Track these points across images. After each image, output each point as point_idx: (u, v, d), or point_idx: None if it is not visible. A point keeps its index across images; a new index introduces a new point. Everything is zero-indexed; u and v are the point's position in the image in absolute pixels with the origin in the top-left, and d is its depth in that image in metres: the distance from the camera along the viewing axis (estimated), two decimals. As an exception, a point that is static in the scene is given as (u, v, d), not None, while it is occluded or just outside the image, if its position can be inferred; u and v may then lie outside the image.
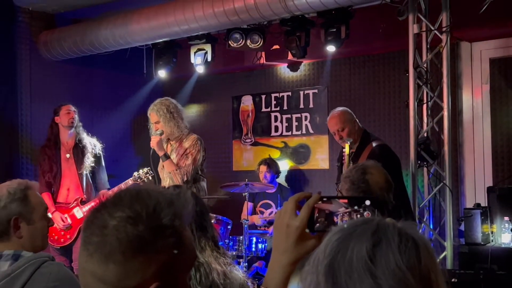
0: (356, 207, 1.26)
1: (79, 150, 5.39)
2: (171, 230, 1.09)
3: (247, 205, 6.26)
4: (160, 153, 4.86)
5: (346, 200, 1.30)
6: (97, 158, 5.52)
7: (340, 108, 4.77)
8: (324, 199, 1.31)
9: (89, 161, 5.40)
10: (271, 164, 6.56)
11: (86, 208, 5.36)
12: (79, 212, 5.34)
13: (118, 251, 1.06)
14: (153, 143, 4.85)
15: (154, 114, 4.95)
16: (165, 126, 4.89)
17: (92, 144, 5.52)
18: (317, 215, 1.31)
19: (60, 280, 2.04)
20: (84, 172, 5.42)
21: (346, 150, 4.40)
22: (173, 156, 4.90)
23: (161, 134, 4.88)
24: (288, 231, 1.31)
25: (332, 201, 1.31)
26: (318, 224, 1.31)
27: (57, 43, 6.63)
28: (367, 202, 1.26)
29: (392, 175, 4.14)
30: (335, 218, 1.29)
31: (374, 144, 4.42)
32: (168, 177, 4.89)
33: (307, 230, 1.30)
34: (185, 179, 4.77)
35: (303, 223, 1.30)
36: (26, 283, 1.95)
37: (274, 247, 1.35)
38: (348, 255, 0.92)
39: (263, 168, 6.56)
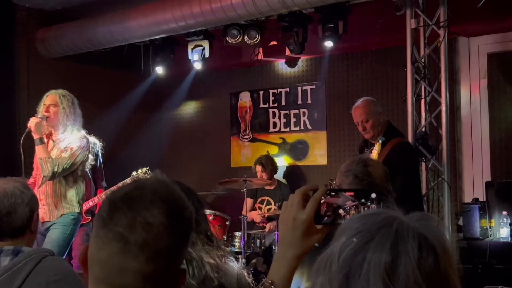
0: (363, 200, 1.26)
1: None
2: (194, 221, 1.18)
3: (247, 202, 6.26)
4: (36, 136, 4.27)
5: (352, 193, 1.29)
6: (96, 156, 5.51)
7: (365, 98, 4.60)
8: (332, 192, 1.31)
9: (89, 159, 5.39)
10: (265, 164, 6.53)
11: (85, 206, 5.34)
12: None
13: (169, 247, 1.11)
14: (32, 123, 4.26)
15: (54, 96, 4.39)
16: (60, 115, 4.34)
17: (92, 143, 5.51)
18: (325, 209, 1.30)
19: (61, 274, 2.04)
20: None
21: (377, 149, 4.28)
22: (54, 152, 4.34)
23: (43, 119, 4.32)
24: (294, 224, 1.30)
25: (339, 194, 1.31)
26: (325, 218, 1.30)
27: (54, 40, 6.62)
28: (373, 195, 1.25)
29: (411, 173, 4.16)
30: (341, 211, 1.28)
31: (397, 141, 4.32)
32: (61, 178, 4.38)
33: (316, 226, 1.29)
34: (56, 169, 4.23)
35: (310, 216, 1.29)
36: (27, 277, 1.95)
37: (280, 240, 1.34)
38: (364, 268, 0.86)
39: (258, 168, 6.56)
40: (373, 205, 1.24)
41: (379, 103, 4.65)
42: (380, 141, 4.28)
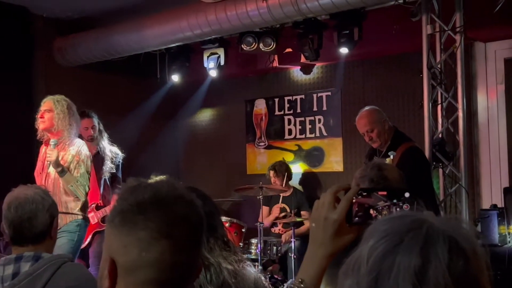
0: (395, 200, 1.25)
1: (99, 157, 5.41)
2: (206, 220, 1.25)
3: (263, 210, 6.26)
4: (58, 169, 4.26)
5: (384, 193, 1.28)
6: (116, 166, 5.56)
7: (368, 108, 4.61)
8: (364, 192, 1.30)
9: (108, 167, 5.43)
10: (278, 170, 6.52)
11: (101, 214, 5.38)
12: (93, 218, 5.36)
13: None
14: (52, 158, 4.23)
15: (50, 102, 4.39)
16: (55, 120, 4.34)
17: (114, 153, 5.55)
18: (356, 209, 1.30)
19: (80, 280, 2.06)
20: (103, 178, 5.45)
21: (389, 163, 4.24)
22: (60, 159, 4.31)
23: (55, 144, 4.31)
24: (325, 224, 1.30)
25: (371, 194, 1.30)
26: (357, 218, 1.29)
27: (71, 49, 6.69)
28: (407, 195, 1.24)
29: (424, 178, 4.13)
30: (373, 212, 1.28)
31: (406, 147, 4.29)
32: (46, 182, 4.35)
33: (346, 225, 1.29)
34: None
35: (342, 216, 1.29)
36: (47, 282, 1.97)
37: (311, 239, 1.34)
38: (394, 272, 0.85)
39: (272, 173, 6.56)
40: (406, 205, 1.23)
41: (382, 111, 4.63)
42: (392, 156, 4.23)
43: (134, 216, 1.14)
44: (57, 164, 4.25)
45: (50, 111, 4.36)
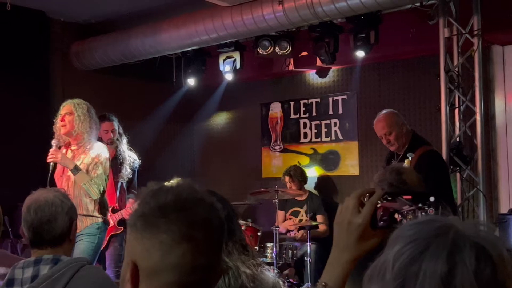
0: (420, 205, 1.24)
1: (117, 161, 5.43)
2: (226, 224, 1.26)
3: (279, 214, 6.25)
4: (70, 166, 4.23)
5: (409, 197, 1.27)
6: (133, 171, 5.59)
7: (386, 111, 4.60)
8: (389, 196, 1.29)
9: (127, 172, 5.45)
10: (293, 175, 6.51)
11: (117, 217, 5.40)
12: (110, 221, 5.37)
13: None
14: (58, 157, 4.23)
15: (70, 105, 4.38)
16: (75, 122, 4.32)
17: (132, 158, 5.57)
18: (381, 213, 1.28)
19: (99, 283, 2.07)
20: (120, 182, 5.47)
21: (407, 165, 4.22)
22: (79, 163, 4.32)
23: (57, 145, 4.32)
24: (349, 228, 1.29)
25: (396, 198, 1.29)
26: (381, 223, 1.28)
27: (88, 53, 6.74)
28: (432, 199, 1.23)
29: (442, 182, 4.10)
30: (398, 216, 1.27)
31: (423, 150, 4.27)
32: (66, 184, 4.34)
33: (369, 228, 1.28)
34: (101, 189, 4.31)
35: (366, 220, 1.28)
36: (66, 285, 1.98)
37: (334, 243, 1.33)
38: (420, 278, 0.84)
39: (287, 178, 6.55)
40: (431, 209, 1.22)
41: (401, 114, 4.61)
42: (410, 158, 4.22)
43: (156, 220, 1.14)
44: (65, 163, 4.26)
45: (71, 114, 4.36)
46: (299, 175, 6.51)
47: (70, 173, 4.34)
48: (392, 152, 4.54)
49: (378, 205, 1.29)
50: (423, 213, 1.21)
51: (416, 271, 0.84)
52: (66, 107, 4.41)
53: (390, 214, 1.27)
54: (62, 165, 4.31)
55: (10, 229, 5.08)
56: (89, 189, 4.27)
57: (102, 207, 4.44)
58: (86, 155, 4.36)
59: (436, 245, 0.85)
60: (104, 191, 4.38)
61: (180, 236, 1.12)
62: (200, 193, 1.20)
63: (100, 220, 4.40)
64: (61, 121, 4.36)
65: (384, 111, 4.58)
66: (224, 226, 1.20)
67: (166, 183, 1.23)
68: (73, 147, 4.41)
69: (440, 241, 0.85)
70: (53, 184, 4.31)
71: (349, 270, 1.31)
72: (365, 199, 1.31)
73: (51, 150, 4.33)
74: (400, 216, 1.26)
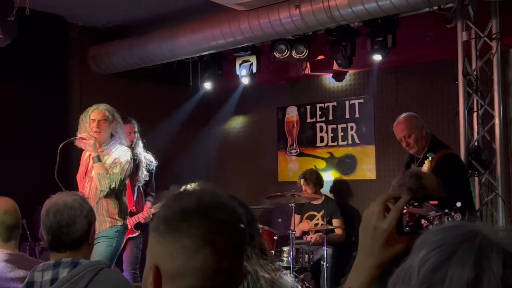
0: (446, 210, 1.23)
1: (134, 163, 5.46)
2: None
3: (295, 218, 6.23)
4: (93, 154, 4.40)
5: (436, 202, 1.26)
6: (150, 173, 5.61)
7: (406, 114, 4.60)
8: (415, 202, 1.28)
9: (143, 175, 5.48)
10: (308, 178, 6.49)
11: (134, 220, 5.42)
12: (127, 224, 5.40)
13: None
14: (90, 143, 4.38)
15: (102, 111, 4.51)
16: (109, 129, 4.48)
17: (148, 160, 5.60)
18: (407, 218, 1.27)
19: (117, 286, 2.08)
20: (137, 185, 5.50)
21: (427, 165, 4.22)
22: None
23: (92, 137, 4.45)
24: (375, 233, 1.28)
25: (422, 204, 1.28)
26: (407, 228, 1.27)
27: (106, 57, 6.79)
28: (458, 204, 1.22)
29: (462, 186, 4.08)
30: (424, 222, 1.25)
31: (443, 153, 4.27)
32: (88, 185, 4.45)
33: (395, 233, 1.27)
34: (113, 186, 4.36)
35: (392, 226, 1.27)
36: (85, 288, 2.00)
37: (359, 248, 1.32)
38: (446, 285, 0.82)
39: (302, 181, 6.54)
40: (457, 215, 1.20)
41: (420, 117, 4.59)
42: (430, 158, 4.21)
43: (178, 224, 1.14)
44: (92, 149, 4.38)
45: (105, 120, 4.47)
46: (314, 179, 6.50)
47: (93, 174, 4.40)
48: (411, 156, 4.52)
49: (404, 211, 1.28)
50: (449, 219, 1.20)
51: (442, 277, 0.83)
52: (98, 112, 4.49)
53: (416, 220, 1.26)
54: (89, 150, 4.42)
55: (28, 232, 5.12)
56: (101, 180, 4.35)
57: (121, 210, 4.47)
58: (109, 156, 4.46)
59: (463, 251, 0.84)
60: (114, 189, 4.38)
61: (203, 241, 1.13)
62: (222, 198, 1.20)
63: (119, 223, 4.43)
64: (97, 127, 4.44)
65: (404, 114, 4.58)
66: (246, 231, 1.20)
67: (188, 187, 1.23)
68: (99, 149, 4.49)
69: (467, 247, 0.84)
70: (69, 186, 4.33)
71: (374, 275, 1.30)
72: (391, 204, 1.30)
73: (85, 134, 4.40)
74: (426, 221, 1.25)
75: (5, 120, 6.06)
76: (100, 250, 4.28)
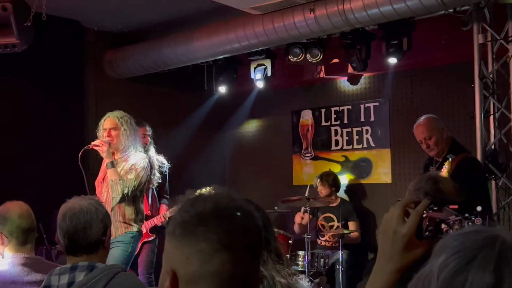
0: (467, 214, 1.22)
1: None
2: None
3: (306, 217, 6.21)
4: (107, 160, 4.40)
5: (456, 206, 1.25)
6: (163, 175, 5.61)
7: (427, 116, 4.59)
8: (434, 206, 1.27)
9: (155, 177, 5.48)
10: (323, 178, 6.48)
11: (150, 224, 5.43)
12: (142, 228, 5.41)
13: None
14: (103, 149, 4.39)
15: (113, 119, 4.48)
16: (122, 137, 4.44)
17: (160, 162, 5.61)
18: (427, 223, 1.27)
19: (133, 290, 2.09)
20: (151, 188, 5.51)
21: (447, 167, 4.19)
22: (119, 170, 4.46)
23: (107, 142, 4.44)
24: (395, 237, 1.28)
25: (442, 208, 1.27)
26: (427, 233, 1.27)
27: (121, 62, 6.83)
28: (479, 208, 1.21)
29: (480, 190, 4.05)
30: (444, 226, 1.24)
31: (462, 157, 4.24)
32: (106, 190, 4.45)
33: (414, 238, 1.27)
34: (125, 192, 4.33)
35: (411, 230, 1.26)
36: (102, 292, 2.00)
37: (379, 252, 1.32)
38: None
39: (318, 181, 6.53)
40: (477, 219, 1.19)
41: (441, 120, 4.56)
42: (450, 159, 4.19)
43: (195, 228, 1.14)
44: (106, 155, 4.38)
45: (116, 129, 4.45)
46: (331, 180, 6.49)
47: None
48: (430, 158, 4.50)
49: (424, 215, 1.27)
50: (469, 223, 1.19)
51: (462, 282, 0.83)
52: (110, 121, 4.48)
53: (436, 224, 1.25)
54: (103, 156, 4.43)
55: (45, 236, 5.15)
56: (113, 186, 4.34)
57: (138, 216, 4.48)
58: (127, 162, 4.46)
59: (483, 256, 0.84)
60: (127, 195, 4.36)
61: (219, 245, 1.13)
62: (238, 202, 1.20)
63: (135, 229, 4.44)
64: (108, 136, 4.44)
65: (425, 116, 4.57)
66: (262, 235, 1.20)
67: (204, 191, 1.24)
68: (116, 156, 4.50)
69: (487, 252, 0.84)
70: (86, 191, 4.36)
71: (393, 280, 1.29)
72: (411, 209, 1.29)
73: (99, 141, 4.41)
74: (446, 226, 1.24)
75: (22, 125, 6.12)
76: (115, 254, 4.29)
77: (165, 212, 5.56)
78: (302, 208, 6.27)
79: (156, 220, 5.47)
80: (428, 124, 4.43)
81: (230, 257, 1.13)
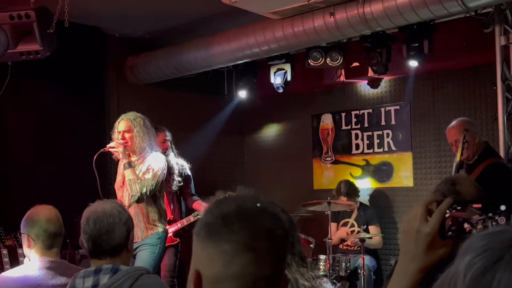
0: (490, 214, 1.20)
1: (167, 171, 5.50)
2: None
3: (331, 226, 6.20)
4: (124, 160, 4.42)
5: (479, 205, 1.24)
6: (183, 177, 5.61)
7: (460, 118, 4.59)
8: (458, 206, 1.26)
9: (176, 181, 5.50)
10: (338, 193, 6.43)
11: (173, 228, 5.45)
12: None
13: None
14: (119, 150, 4.41)
15: (127, 122, 4.50)
16: (136, 138, 4.45)
17: (180, 165, 5.63)
18: (449, 222, 1.26)
19: (157, 292, 2.10)
20: (172, 192, 5.53)
21: (457, 157, 4.19)
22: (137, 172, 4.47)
23: (123, 144, 4.47)
24: (418, 237, 1.27)
25: (465, 207, 1.26)
26: (450, 232, 1.26)
27: (142, 67, 6.88)
28: (503, 207, 1.20)
29: (504, 192, 4.00)
30: (467, 226, 1.24)
31: (489, 162, 4.21)
32: (127, 195, 4.44)
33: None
34: (144, 191, 4.32)
35: (434, 229, 1.26)
36: (126, 295, 2.02)
37: (402, 252, 1.31)
38: None
39: (335, 192, 6.50)
40: (501, 219, 1.18)
41: (476, 124, 4.52)
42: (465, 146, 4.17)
43: (219, 229, 1.15)
44: (122, 156, 4.41)
45: (129, 131, 4.48)
46: (345, 193, 6.41)
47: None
48: (462, 162, 4.46)
49: (447, 215, 1.26)
50: (493, 223, 1.18)
51: (489, 281, 0.82)
52: (124, 124, 4.51)
53: (459, 224, 1.24)
54: (119, 158, 4.46)
55: (68, 240, 5.21)
56: (132, 185, 4.36)
57: (161, 216, 4.51)
58: (143, 163, 4.47)
59: (510, 255, 0.83)
60: (146, 194, 4.36)
61: (243, 246, 1.13)
62: (263, 203, 1.20)
63: (160, 229, 4.47)
64: (122, 139, 4.47)
65: (459, 119, 4.56)
66: (287, 237, 1.20)
67: (231, 193, 1.24)
68: (133, 158, 4.53)
69: None
70: (107, 195, 4.39)
71: (417, 280, 1.28)
72: (434, 208, 1.29)
73: (114, 143, 4.44)
74: (469, 225, 1.22)
75: (46, 130, 6.19)
76: (143, 257, 4.32)
77: (200, 207, 5.52)
78: (349, 223, 6.28)
79: (180, 225, 5.49)
80: (461, 126, 4.40)
81: (253, 259, 1.12)
